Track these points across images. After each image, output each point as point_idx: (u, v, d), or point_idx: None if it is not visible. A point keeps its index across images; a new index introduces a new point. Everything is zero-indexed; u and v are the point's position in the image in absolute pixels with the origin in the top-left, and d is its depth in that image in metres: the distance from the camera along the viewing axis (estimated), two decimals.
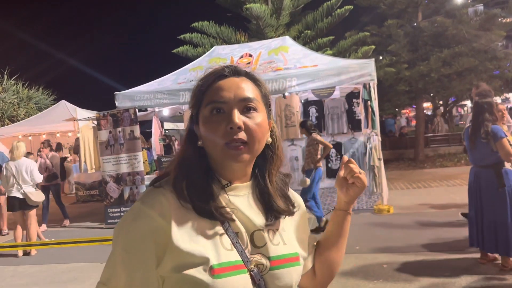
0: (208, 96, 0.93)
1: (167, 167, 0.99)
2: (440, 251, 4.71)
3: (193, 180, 0.92)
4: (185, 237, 0.87)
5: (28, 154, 7.10)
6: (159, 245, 0.87)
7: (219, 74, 0.96)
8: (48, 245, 6.23)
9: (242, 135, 0.89)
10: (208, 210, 0.89)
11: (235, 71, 0.97)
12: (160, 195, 0.91)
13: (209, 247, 0.87)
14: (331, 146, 6.32)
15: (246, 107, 0.92)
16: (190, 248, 0.86)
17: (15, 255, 6.20)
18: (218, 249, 0.88)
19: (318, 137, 6.15)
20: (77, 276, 5.15)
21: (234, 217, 0.92)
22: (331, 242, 1.15)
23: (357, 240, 5.29)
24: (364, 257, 4.74)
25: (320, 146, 6.15)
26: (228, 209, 0.92)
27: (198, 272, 0.84)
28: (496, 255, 4.18)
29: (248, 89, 0.94)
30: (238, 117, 0.90)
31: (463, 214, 5.77)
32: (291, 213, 1.02)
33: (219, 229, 0.90)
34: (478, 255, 4.30)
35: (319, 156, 6.17)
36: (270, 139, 0.99)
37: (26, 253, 6.26)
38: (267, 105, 1.00)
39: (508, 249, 3.93)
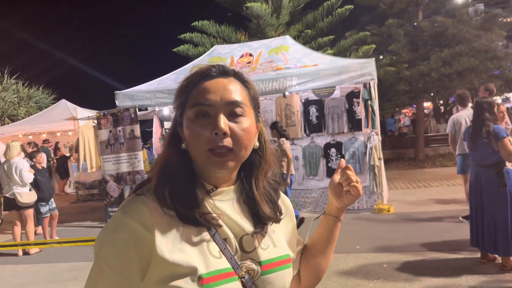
0: (193, 97, 0.88)
1: (149, 171, 0.95)
2: (440, 250, 4.71)
3: (176, 186, 0.88)
4: (170, 246, 0.83)
5: (36, 153, 6.97)
6: (143, 257, 0.82)
7: (206, 74, 0.91)
8: (48, 244, 6.24)
9: (227, 141, 0.85)
10: (192, 217, 0.85)
11: (223, 71, 0.92)
12: (140, 204, 0.86)
13: (196, 256, 0.83)
14: (291, 158, 6.21)
15: (233, 111, 0.88)
16: (176, 258, 0.82)
17: (15, 254, 6.20)
18: (206, 257, 0.84)
19: (285, 145, 6.03)
20: (77, 275, 5.15)
21: (220, 222, 0.88)
22: (318, 248, 1.11)
23: (357, 240, 5.29)
24: (364, 257, 4.74)
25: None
26: (214, 215, 0.88)
27: (185, 283, 0.80)
28: (496, 255, 4.17)
29: (236, 92, 0.89)
30: (224, 122, 0.85)
31: (463, 217, 5.76)
32: (277, 221, 0.98)
33: (206, 236, 0.86)
34: (478, 255, 4.30)
35: (284, 166, 5.97)
36: (257, 143, 0.95)
37: (25, 253, 6.24)
38: (256, 108, 0.95)
39: (508, 249, 3.92)
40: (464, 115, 5.92)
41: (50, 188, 6.95)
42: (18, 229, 6.34)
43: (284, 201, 1.08)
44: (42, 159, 7.07)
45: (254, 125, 0.93)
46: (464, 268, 4.12)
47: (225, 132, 0.85)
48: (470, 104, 5.96)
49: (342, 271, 4.32)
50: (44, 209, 6.62)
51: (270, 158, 0.98)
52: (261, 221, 0.95)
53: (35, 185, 6.42)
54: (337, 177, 1.03)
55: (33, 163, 6.70)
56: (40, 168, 6.77)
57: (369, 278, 4.11)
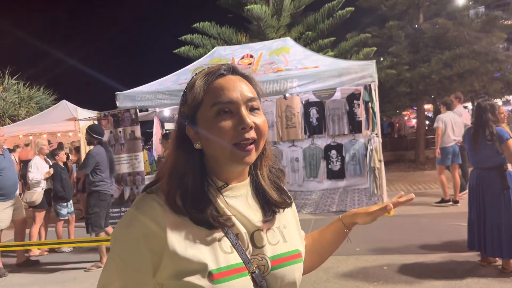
0: (210, 96, 0.90)
1: (157, 173, 0.96)
2: (440, 253, 4.71)
3: (187, 189, 0.89)
4: (182, 242, 0.85)
5: (59, 150, 6.68)
6: (155, 252, 0.85)
7: (218, 73, 0.93)
8: (48, 245, 6.23)
9: (252, 133, 0.89)
10: (205, 220, 0.87)
11: (233, 69, 0.96)
12: (153, 201, 0.89)
13: (206, 252, 0.86)
14: None
15: (252, 106, 0.92)
16: (187, 254, 0.84)
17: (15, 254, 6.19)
18: (217, 253, 0.86)
19: None
20: (77, 276, 5.15)
21: (233, 221, 0.91)
22: (323, 248, 1.18)
23: (357, 242, 5.28)
24: (364, 259, 4.73)
25: None
26: (226, 215, 0.90)
27: (196, 279, 0.83)
28: (497, 258, 4.16)
29: (250, 89, 0.93)
30: (249, 117, 0.89)
31: (436, 203, 7.22)
32: (287, 205, 1.02)
33: (218, 232, 0.89)
34: (478, 258, 4.29)
35: None
36: None
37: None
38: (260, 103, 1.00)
39: None
40: (451, 117, 7.11)
41: (71, 188, 6.63)
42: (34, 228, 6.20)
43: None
44: (65, 157, 6.72)
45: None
46: (465, 271, 4.12)
47: (252, 126, 0.88)
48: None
49: (342, 273, 4.31)
50: (64, 210, 6.33)
51: (270, 150, 1.03)
52: (271, 209, 0.98)
53: (60, 184, 6.24)
54: (376, 210, 1.16)
55: (55, 161, 6.46)
56: (63, 166, 6.49)
57: (369, 280, 4.10)
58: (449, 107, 7.26)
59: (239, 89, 0.91)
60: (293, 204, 1.11)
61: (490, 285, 3.76)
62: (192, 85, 0.93)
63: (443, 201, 7.21)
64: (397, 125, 20.89)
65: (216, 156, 0.91)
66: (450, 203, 7.10)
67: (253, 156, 0.90)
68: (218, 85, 0.91)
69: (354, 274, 4.30)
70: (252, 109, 0.92)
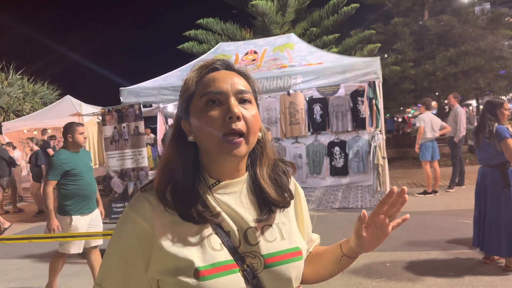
0: (202, 87, 0.91)
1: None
2: (443, 250, 4.70)
3: (177, 184, 0.90)
4: (169, 239, 0.86)
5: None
6: (145, 249, 0.87)
7: (212, 67, 0.95)
8: (52, 238, 6.25)
9: (241, 125, 0.88)
10: (191, 215, 0.87)
11: (227, 65, 0.96)
12: (144, 199, 0.91)
13: (194, 249, 0.86)
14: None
15: (242, 99, 0.91)
16: (174, 251, 0.85)
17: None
18: (205, 250, 0.86)
19: None
20: (80, 269, 5.18)
21: (223, 216, 0.90)
22: (320, 267, 1.11)
23: None
24: (367, 255, 4.73)
25: None
26: (213, 212, 0.90)
27: (184, 276, 0.84)
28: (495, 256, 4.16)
29: (242, 82, 0.93)
30: (237, 107, 0.88)
31: (419, 193, 7.79)
32: (286, 204, 0.98)
33: (207, 229, 0.89)
34: (482, 255, 4.29)
35: None
36: (260, 134, 0.98)
37: None
38: (256, 101, 0.99)
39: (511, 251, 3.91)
40: (430, 116, 7.76)
41: None
42: None
43: (296, 187, 1.08)
44: None
45: (259, 113, 0.96)
46: (468, 268, 4.12)
47: (239, 115, 0.87)
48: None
49: (345, 270, 4.31)
50: None
51: (270, 149, 1.01)
52: (268, 207, 0.95)
53: None
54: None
55: None
56: None
57: (372, 277, 4.11)
58: (428, 107, 7.96)
59: (230, 81, 0.91)
60: (303, 200, 1.08)
61: (492, 282, 3.76)
62: (186, 77, 0.96)
63: (425, 192, 7.78)
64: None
65: (207, 148, 0.91)
66: (432, 195, 7.71)
67: (242, 149, 0.89)
68: (210, 77, 0.92)
69: (357, 271, 4.30)
70: (243, 101, 0.91)
